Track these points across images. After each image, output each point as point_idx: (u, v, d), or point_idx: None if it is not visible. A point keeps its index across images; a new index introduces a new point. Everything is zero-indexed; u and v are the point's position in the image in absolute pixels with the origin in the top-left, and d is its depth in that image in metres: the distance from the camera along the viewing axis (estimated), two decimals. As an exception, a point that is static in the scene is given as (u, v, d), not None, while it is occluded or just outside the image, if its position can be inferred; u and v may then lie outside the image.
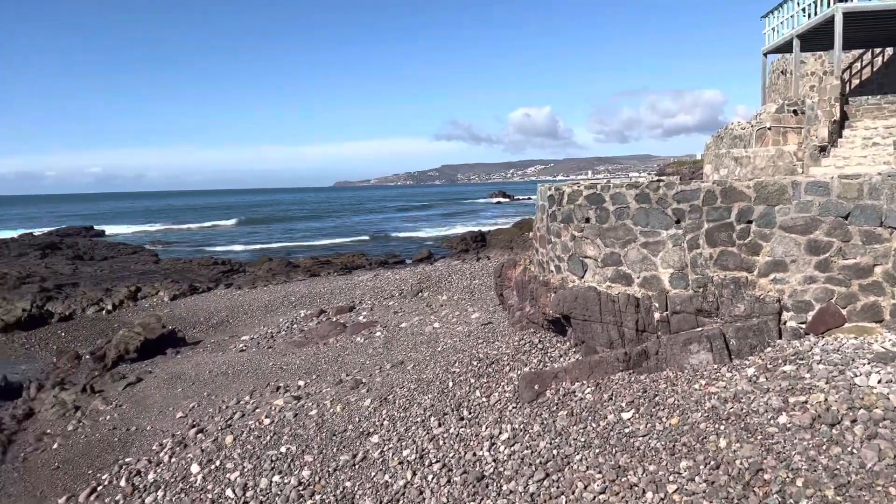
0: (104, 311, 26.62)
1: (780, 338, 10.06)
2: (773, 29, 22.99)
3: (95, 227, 79.31)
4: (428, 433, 9.97)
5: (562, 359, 11.98)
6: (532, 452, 8.73)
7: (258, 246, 59.11)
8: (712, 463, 7.45)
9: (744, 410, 8.31)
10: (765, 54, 24.12)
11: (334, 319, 20.07)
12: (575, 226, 11.93)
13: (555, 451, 8.58)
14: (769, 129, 19.47)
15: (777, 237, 10.08)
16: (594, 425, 8.99)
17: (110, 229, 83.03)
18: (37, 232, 68.04)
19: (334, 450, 10.09)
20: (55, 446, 12.57)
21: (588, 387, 10.09)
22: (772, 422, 7.88)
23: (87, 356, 18.94)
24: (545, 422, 9.44)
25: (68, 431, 13.17)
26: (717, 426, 8.13)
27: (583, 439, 8.71)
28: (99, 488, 10.45)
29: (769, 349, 9.83)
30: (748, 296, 10.23)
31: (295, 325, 20.44)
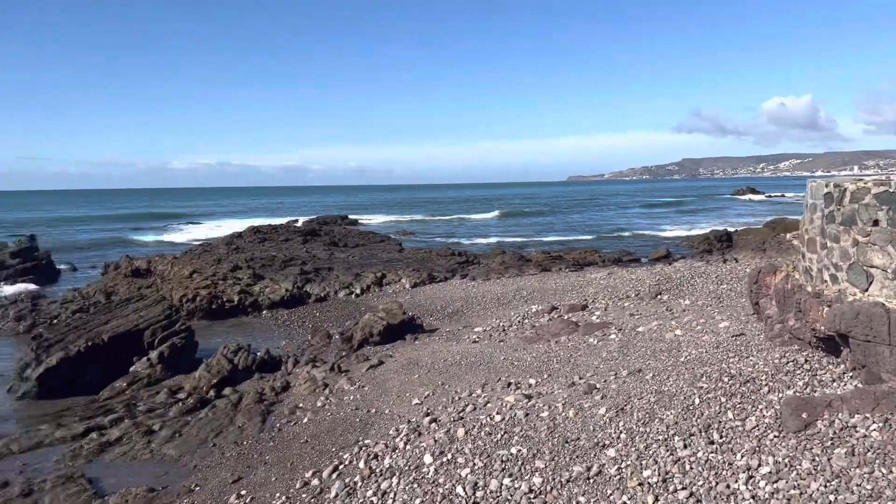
0: (353, 295, 28.75)
1: None
2: None
3: (350, 216, 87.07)
4: (671, 454, 9.00)
5: (835, 384, 10.25)
6: (801, 494, 7.43)
7: (493, 239, 60.40)
8: None
9: None
10: None
11: (566, 317, 19.51)
12: (859, 229, 10.12)
13: (832, 497, 7.22)
14: None
15: None
16: (884, 471, 7.43)
17: (363, 218, 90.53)
18: (301, 219, 76.30)
19: (567, 459, 9.53)
20: (305, 420, 13.54)
21: (873, 422, 8.43)
22: None
23: (337, 336, 20.40)
24: (817, 459, 8.03)
25: (317, 407, 14.14)
26: None
27: (869, 486, 7.23)
28: (340, 467, 10.91)
29: None
30: None
31: (526, 321, 20.24)
